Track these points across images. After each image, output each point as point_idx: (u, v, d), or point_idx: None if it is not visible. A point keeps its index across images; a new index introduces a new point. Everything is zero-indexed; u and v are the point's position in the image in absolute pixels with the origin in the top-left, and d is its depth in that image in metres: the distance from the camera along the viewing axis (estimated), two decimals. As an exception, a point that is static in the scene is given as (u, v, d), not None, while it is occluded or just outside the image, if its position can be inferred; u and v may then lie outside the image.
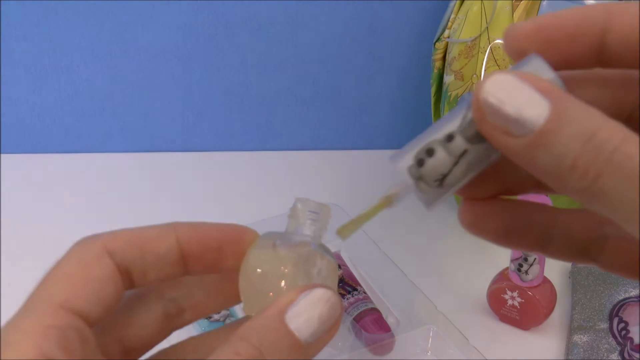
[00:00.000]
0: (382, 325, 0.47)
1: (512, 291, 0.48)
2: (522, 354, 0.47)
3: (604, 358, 0.45)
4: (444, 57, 0.60)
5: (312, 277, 0.22)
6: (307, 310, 0.20)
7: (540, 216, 0.22)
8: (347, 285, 0.51)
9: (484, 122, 0.18)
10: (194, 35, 0.69)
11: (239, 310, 0.48)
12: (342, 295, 0.49)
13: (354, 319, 0.48)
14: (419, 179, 0.19)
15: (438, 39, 0.60)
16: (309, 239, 0.23)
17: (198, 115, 0.74)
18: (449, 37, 0.59)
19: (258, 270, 0.22)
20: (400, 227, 0.58)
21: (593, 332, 0.47)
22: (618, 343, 0.46)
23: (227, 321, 0.48)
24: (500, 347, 0.47)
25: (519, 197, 0.24)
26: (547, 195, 0.44)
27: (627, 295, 0.49)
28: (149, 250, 0.22)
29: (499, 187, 0.22)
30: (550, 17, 0.19)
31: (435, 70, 0.61)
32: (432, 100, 0.64)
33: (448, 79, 0.59)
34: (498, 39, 0.55)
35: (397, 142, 0.20)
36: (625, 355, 0.45)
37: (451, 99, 0.58)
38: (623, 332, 0.46)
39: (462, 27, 0.57)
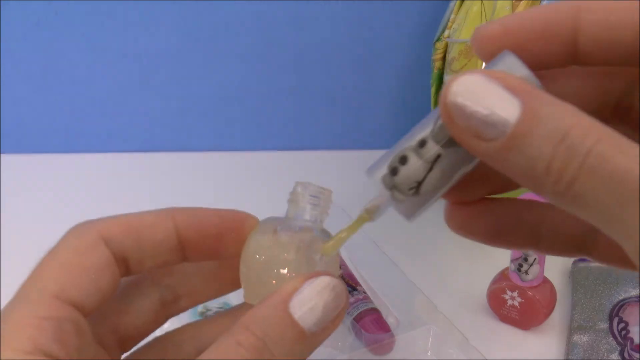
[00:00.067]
0: (382, 325, 0.47)
1: (512, 291, 0.48)
2: (522, 354, 0.47)
3: (604, 358, 0.45)
4: (444, 57, 0.60)
5: (314, 264, 0.21)
6: (312, 299, 0.19)
7: (529, 214, 0.21)
8: (347, 285, 0.51)
9: (454, 126, 0.17)
10: (193, 35, 0.69)
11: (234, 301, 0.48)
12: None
13: (354, 319, 0.48)
14: (393, 188, 0.18)
15: (438, 39, 0.60)
16: (311, 225, 0.22)
17: (198, 115, 0.74)
18: (449, 37, 0.59)
19: (260, 257, 0.21)
20: (400, 227, 0.58)
21: (593, 332, 0.47)
22: (618, 343, 0.46)
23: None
24: (500, 347, 0.47)
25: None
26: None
27: (627, 295, 0.49)
28: (146, 237, 0.21)
29: (485, 189, 0.21)
30: (517, 18, 0.18)
31: (435, 70, 0.61)
32: (432, 100, 0.64)
33: (448, 79, 0.59)
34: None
35: (397, 142, 0.19)
36: (625, 355, 0.45)
37: (451, 99, 0.58)
38: (623, 332, 0.46)
39: (462, 27, 0.57)
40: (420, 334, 0.47)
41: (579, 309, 0.49)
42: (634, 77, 0.19)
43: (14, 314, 0.18)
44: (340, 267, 0.53)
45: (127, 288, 0.23)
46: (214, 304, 0.45)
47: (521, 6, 0.55)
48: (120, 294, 0.22)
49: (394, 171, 0.18)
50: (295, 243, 0.21)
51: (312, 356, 0.19)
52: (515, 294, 0.48)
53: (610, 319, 0.48)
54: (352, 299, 0.49)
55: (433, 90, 0.63)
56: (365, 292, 0.51)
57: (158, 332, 0.24)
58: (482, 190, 0.21)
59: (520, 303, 0.48)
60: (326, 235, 0.22)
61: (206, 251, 0.22)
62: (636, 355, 0.45)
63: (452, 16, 0.59)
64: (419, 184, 0.18)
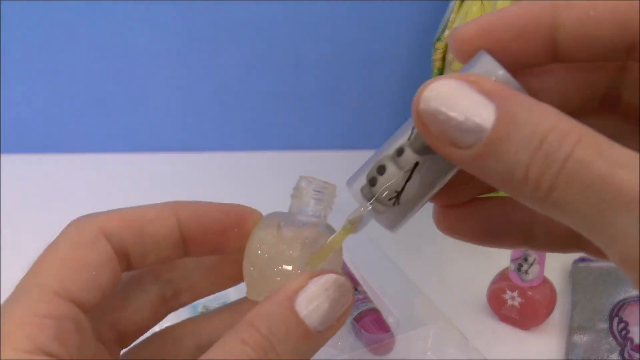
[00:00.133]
0: (382, 325, 0.47)
1: (512, 291, 0.48)
2: (522, 354, 0.47)
3: (604, 358, 0.45)
4: (443, 57, 0.60)
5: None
6: (318, 297, 0.18)
7: (520, 213, 0.21)
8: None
9: (428, 134, 0.16)
10: (193, 35, 0.69)
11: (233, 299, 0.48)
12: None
13: (354, 319, 0.48)
14: (373, 199, 0.18)
15: (438, 39, 0.60)
16: (315, 220, 0.21)
17: (198, 115, 0.74)
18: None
19: (264, 253, 0.21)
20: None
21: (593, 332, 0.47)
22: (618, 343, 0.46)
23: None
24: (500, 347, 0.47)
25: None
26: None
27: (627, 295, 0.49)
28: (148, 231, 0.20)
29: (473, 190, 0.21)
30: (493, 17, 0.18)
31: (435, 70, 0.61)
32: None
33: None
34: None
35: (376, 151, 0.19)
36: (625, 355, 0.45)
37: (451, 99, 0.58)
38: (623, 332, 0.46)
39: (462, 27, 0.57)
40: (420, 334, 0.47)
41: (579, 309, 0.49)
42: (618, 69, 0.19)
43: (13, 311, 0.18)
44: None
45: (127, 283, 0.22)
46: (214, 304, 0.45)
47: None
48: (120, 289, 0.22)
49: (372, 182, 0.18)
50: (300, 239, 0.21)
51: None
52: (515, 294, 0.48)
53: (610, 319, 0.48)
54: (352, 299, 0.49)
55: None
56: (365, 292, 0.51)
57: (156, 328, 0.23)
58: (471, 192, 0.21)
59: (520, 303, 0.48)
60: (331, 230, 0.21)
61: (209, 246, 0.22)
62: (636, 355, 0.45)
63: (452, 16, 0.59)
64: (399, 193, 0.18)
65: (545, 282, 0.48)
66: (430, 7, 0.69)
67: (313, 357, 0.19)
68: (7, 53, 0.66)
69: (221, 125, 0.75)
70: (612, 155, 0.14)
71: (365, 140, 0.77)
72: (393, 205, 0.18)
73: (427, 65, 0.64)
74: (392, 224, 0.18)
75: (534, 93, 0.19)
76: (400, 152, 0.18)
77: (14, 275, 0.20)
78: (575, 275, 0.53)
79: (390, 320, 0.48)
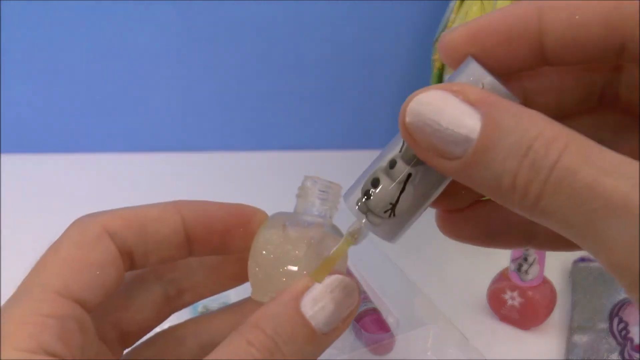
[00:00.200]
0: (382, 325, 0.47)
1: (512, 291, 0.48)
2: (522, 354, 0.47)
3: (604, 358, 0.45)
4: (444, 57, 0.60)
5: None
6: (323, 298, 0.18)
7: (520, 215, 0.21)
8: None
9: (416, 146, 0.16)
10: (193, 35, 0.69)
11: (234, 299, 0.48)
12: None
13: (354, 319, 0.47)
14: (368, 212, 0.18)
15: (438, 39, 0.60)
16: (321, 220, 0.21)
17: (198, 115, 0.74)
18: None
19: (269, 253, 0.20)
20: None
21: (593, 332, 0.47)
22: (618, 343, 0.46)
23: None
24: (500, 347, 0.47)
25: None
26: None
27: (627, 295, 0.49)
28: (152, 231, 0.20)
29: (474, 194, 0.21)
30: (480, 23, 0.18)
31: (435, 70, 0.61)
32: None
33: (447, 78, 0.59)
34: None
35: (370, 164, 0.19)
36: (626, 355, 0.45)
37: (451, 99, 0.58)
38: (623, 332, 0.46)
39: (462, 27, 0.57)
40: (420, 334, 0.47)
41: (579, 309, 0.49)
42: (613, 68, 0.19)
43: (16, 310, 0.17)
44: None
45: (130, 283, 0.22)
46: (214, 305, 0.45)
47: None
48: (123, 288, 0.21)
49: (367, 195, 0.18)
50: (305, 240, 0.20)
51: (312, 356, 0.19)
52: (515, 294, 0.48)
53: (610, 319, 0.48)
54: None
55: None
56: (365, 292, 0.51)
57: (157, 329, 0.23)
58: (472, 196, 0.21)
59: (520, 303, 0.48)
60: (336, 231, 0.21)
61: (213, 246, 0.22)
62: (636, 355, 0.45)
63: (452, 16, 0.59)
64: (393, 205, 0.18)
65: (545, 282, 0.48)
66: (430, 7, 0.69)
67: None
68: (7, 53, 0.66)
69: (221, 125, 0.75)
70: (599, 162, 0.14)
71: (365, 140, 0.77)
72: (389, 217, 0.18)
73: (427, 65, 0.64)
74: (390, 236, 0.18)
75: (529, 94, 0.19)
76: (392, 164, 0.18)
77: (14, 275, 0.20)
78: (575, 275, 0.53)
79: (390, 320, 0.48)
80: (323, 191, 0.22)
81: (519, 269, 0.47)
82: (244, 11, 0.68)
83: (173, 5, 0.66)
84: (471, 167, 0.15)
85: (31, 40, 0.66)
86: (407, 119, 0.16)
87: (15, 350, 0.16)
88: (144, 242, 0.20)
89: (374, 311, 0.48)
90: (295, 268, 0.20)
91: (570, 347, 0.46)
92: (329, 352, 0.47)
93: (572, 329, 0.48)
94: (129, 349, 0.22)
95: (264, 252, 0.21)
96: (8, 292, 0.19)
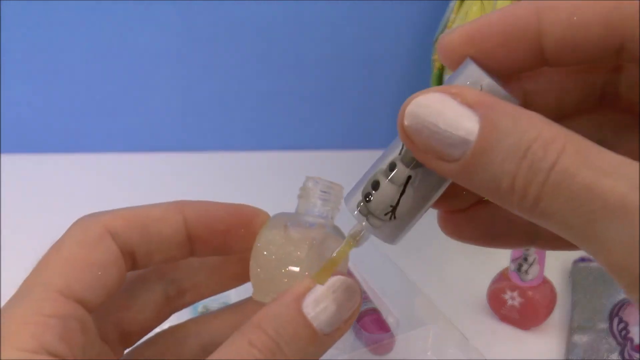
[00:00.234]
0: (382, 325, 0.47)
1: (512, 291, 0.48)
2: (522, 354, 0.47)
3: (604, 358, 0.45)
4: (444, 57, 0.60)
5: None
6: (325, 299, 0.18)
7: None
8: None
9: (414, 149, 0.16)
10: (194, 35, 0.69)
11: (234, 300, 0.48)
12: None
13: (354, 319, 0.47)
14: (369, 214, 0.18)
15: (438, 39, 0.60)
16: (323, 221, 0.21)
17: (198, 115, 0.74)
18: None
19: (271, 254, 0.20)
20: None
21: (593, 332, 0.47)
22: (618, 343, 0.46)
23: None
24: (500, 347, 0.47)
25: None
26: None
27: (626, 295, 0.49)
28: (154, 231, 0.20)
29: (476, 195, 0.20)
30: (478, 24, 0.18)
31: (435, 70, 0.61)
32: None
33: (447, 77, 0.59)
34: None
35: (371, 166, 0.19)
36: (625, 355, 0.45)
37: (451, 99, 0.58)
38: (623, 332, 0.46)
39: (462, 27, 0.57)
40: (420, 334, 0.47)
41: (579, 309, 0.49)
42: (613, 68, 0.19)
43: (17, 310, 0.17)
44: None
45: (131, 282, 0.22)
46: (214, 305, 0.45)
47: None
48: (125, 288, 0.21)
49: (367, 197, 0.18)
50: (307, 240, 0.20)
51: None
52: (515, 294, 0.48)
53: (610, 319, 0.48)
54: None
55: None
56: (365, 292, 0.51)
57: (157, 328, 0.23)
58: (473, 196, 0.21)
59: (520, 303, 0.48)
60: (337, 232, 0.21)
61: (215, 246, 0.22)
62: (636, 355, 0.45)
63: (452, 16, 0.59)
64: (394, 208, 0.18)
65: (545, 282, 0.48)
66: (430, 7, 0.69)
67: (313, 358, 0.19)
68: (7, 53, 0.66)
69: (221, 125, 0.75)
70: (597, 163, 0.14)
71: (365, 140, 0.77)
72: (389, 220, 0.18)
73: (427, 65, 0.64)
74: (391, 238, 0.18)
75: (530, 95, 0.19)
76: (392, 166, 0.18)
77: (14, 275, 0.20)
78: (575, 275, 0.53)
79: (390, 320, 0.48)
80: (325, 192, 0.22)
81: (519, 269, 0.47)
82: (244, 11, 0.68)
83: (173, 5, 0.66)
84: (470, 169, 0.15)
85: (31, 40, 0.66)
86: (406, 122, 0.16)
87: (17, 350, 0.16)
88: (146, 242, 0.20)
89: (374, 311, 0.48)
90: (297, 269, 0.20)
91: (570, 347, 0.46)
92: (329, 352, 0.47)
93: (572, 329, 0.48)
94: (130, 348, 0.22)
95: (266, 252, 0.21)
96: (8, 292, 0.19)
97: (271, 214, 0.23)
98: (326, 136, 0.77)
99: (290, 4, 0.68)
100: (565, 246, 0.21)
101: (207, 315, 0.24)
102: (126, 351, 0.22)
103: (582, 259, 0.54)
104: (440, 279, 0.55)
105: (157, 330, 0.23)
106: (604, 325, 0.47)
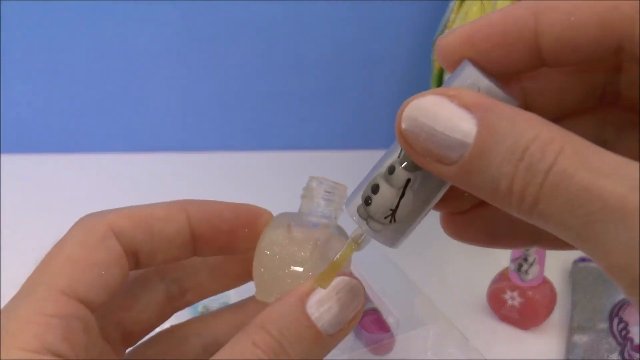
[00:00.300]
0: (382, 325, 0.47)
1: (512, 291, 0.48)
2: (522, 354, 0.47)
3: (604, 358, 0.45)
4: (444, 57, 0.60)
5: (330, 262, 0.20)
6: (329, 300, 0.18)
7: None
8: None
9: (413, 152, 0.16)
10: (194, 35, 0.69)
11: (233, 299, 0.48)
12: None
13: (354, 319, 0.47)
14: (369, 218, 0.18)
15: (436, 40, 0.60)
16: (327, 221, 0.21)
17: (198, 115, 0.74)
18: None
19: (275, 254, 0.20)
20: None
21: (593, 332, 0.47)
22: (618, 343, 0.46)
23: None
24: (500, 347, 0.47)
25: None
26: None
27: (626, 297, 0.49)
28: (158, 230, 0.20)
29: (477, 197, 0.21)
30: (475, 26, 0.17)
31: (435, 71, 0.61)
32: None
33: (447, 77, 0.59)
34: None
35: (371, 169, 0.19)
36: (626, 355, 0.45)
37: (451, 99, 0.58)
38: (623, 332, 0.46)
39: (462, 27, 0.57)
40: (420, 334, 0.47)
41: (579, 309, 0.49)
42: (613, 68, 0.19)
43: (19, 310, 0.17)
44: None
45: (133, 281, 0.22)
46: (214, 305, 0.45)
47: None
48: (126, 287, 0.21)
49: (367, 201, 0.18)
50: (311, 241, 0.20)
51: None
52: (515, 294, 0.48)
53: (610, 319, 0.48)
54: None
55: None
56: (365, 292, 0.51)
57: (158, 328, 0.23)
58: (475, 198, 0.20)
59: (520, 303, 0.48)
60: (341, 232, 0.21)
61: (218, 246, 0.22)
62: (636, 355, 0.45)
63: (452, 16, 0.59)
64: (394, 211, 0.18)
65: (545, 282, 0.48)
66: (430, 7, 0.69)
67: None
68: (7, 53, 0.66)
69: (221, 125, 0.75)
70: (596, 164, 0.14)
71: (365, 140, 0.77)
72: (389, 223, 0.18)
73: (427, 65, 0.64)
74: (392, 241, 0.18)
75: (530, 95, 0.19)
76: (391, 170, 0.18)
77: (14, 275, 0.20)
78: (575, 275, 0.53)
79: (390, 320, 0.48)
80: (328, 192, 0.21)
81: (519, 269, 0.47)
82: (244, 11, 0.68)
83: (173, 5, 0.66)
84: (468, 171, 0.15)
85: (31, 40, 0.66)
86: (403, 125, 0.16)
87: (20, 350, 0.16)
88: (150, 242, 0.20)
89: (374, 311, 0.48)
90: (300, 269, 0.20)
91: (570, 347, 0.46)
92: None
93: (572, 329, 0.48)
94: (131, 348, 0.22)
95: (270, 252, 0.20)
96: (8, 292, 0.19)
97: (274, 214, 0.23)
98: (326, 136, 0.77)
99: (290, 4, 0.68)
100: (568, 246, 0.21)
101: (208, 315, 0.24)
102: (128, 350, 0.22)
103: (582, 259, 0.54)
104: (440, 279, 0.55)
105: (159, 329, 0.23)
106: (604, 325, 0.47)
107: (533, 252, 0.47)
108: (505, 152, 0.15)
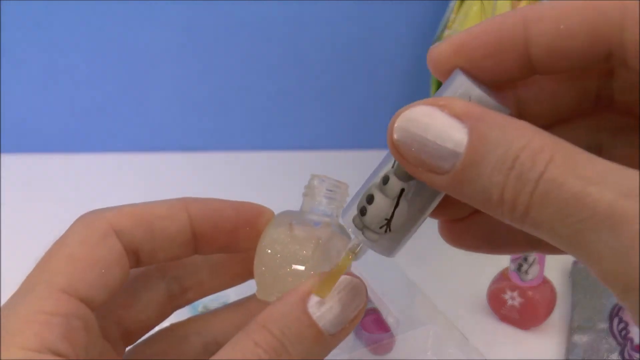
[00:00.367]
0: (382, 325, 0.47)
1: (512, 291, 0.48)
2: (522, 354, 0.47)
3: (604, 358, 0.45)
4: (444, 57, 0.60)
5: (332, 260, 0.20)
6: (330, 299, 0.18)
7: None
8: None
9: (405, 162, 0.16)
10: (194, 35, 0.69)
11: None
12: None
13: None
14: (364, 228, 0.18)
15: (438, 39, 0.60)
16: (328, 220, 0.21)
17: (198, 115, 0.74)
18: (453, 34, 0.59)
19: (276, 252, 0.20)
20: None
21: (593, 332, 0.47)
22: (618, 343, 0.46)
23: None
24: (500, 347, 0.47)
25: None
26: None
27: (619, 303, 0.49)
28: (159, 228, 0.20)
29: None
30: (466, 36, 0.18)
31: (435, 71, 0.61)
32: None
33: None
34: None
35: (367, 179, 0.19)
36: (625, 355, 0.45)
37: (451, 99, 0.58)
38: (623, 332, 0.46)
39: (462, 27, 0.57)
40: (420, 334, 0.47)
41: (579, 309, 0.49)
42: (605, 73, 0.19)
43: (19, 308, 0.17)
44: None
45: (134, 280, 0.22)
46: (214, 304, 0.45)
47: (521, 6, 0.55)
48: (127, 285, 0.21)
49: (362, 211, 0.18)
50: (313, 239, 0.20)
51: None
52: (515, 294, 0.48)
53: (610, 319, 0.48)
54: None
55: (433, 90, 0.63)
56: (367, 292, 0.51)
57: (158, 327, 0.23)
58: (469, 207, 0.21)
59: (520, 303, 0.48)
60: (343, 230, 0.21)
61: (219, 244, 0.21)
62: (636, 355, 0.45)
63: (452, 16, 0.59)
64: (388, 221, 0.18)
65: (545, 282, 0.48)
66: (430, 7, 0.69)
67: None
68: (7, 53, 0.66)
69: (221, 125, 0.75)
70: (585, 172, 0.14)
71: (366, 140, 0.77)
72: (385, 233, 0.18)
73: (427, 65, 0.64)
74: (388, 251, 0.19)
75: (524, 102, 0.19)
76: (385, 180, 0.18)
77: (14, 275, 0.20)
78: (575, 275, 0.53)
79: (390, 320, 0.48)
80: (330, 190, 0.21)
81: (519, 269, 0.47)
82: (244, 11, 0.68)
83: (173, 5, 0.66)
84: (460, 181, 0.15)
85: (31, 40, 0.66)
86: (395, 136, 0.16)
87: (20, 349, 0.16)
88: (151, 240, 0.20)
89: (374, 311, 0.48)
90: (302, 268, 0.20)
91: (570, 347, 0.46)
92: (329, 352, 0.47)
93: (572, 329, 0.48)
94: (131, 346, 0.22)
95: (271, 251, 0.20)
96: (8, 292, 0.19)
97: (283, 212, 0.22)
98: (326, 136, 0.77)
99: (291, 4, 0.68)
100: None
101: (208, 314, 0.24)
102: (127, 349, 0.22)
103: (582, 259, 0.54)
104: (440, 279, 0.55)
105: (158, 328, 0.23)
106: (604, 325, 0.47)
107: (533, 253, 0.47)
108: (496, 161, 0.15)
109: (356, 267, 0.54)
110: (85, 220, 0.19)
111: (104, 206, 0.20)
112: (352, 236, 0.19)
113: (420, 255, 0.58)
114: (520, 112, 0.20)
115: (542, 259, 0.47)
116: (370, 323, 0.47)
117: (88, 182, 0.69)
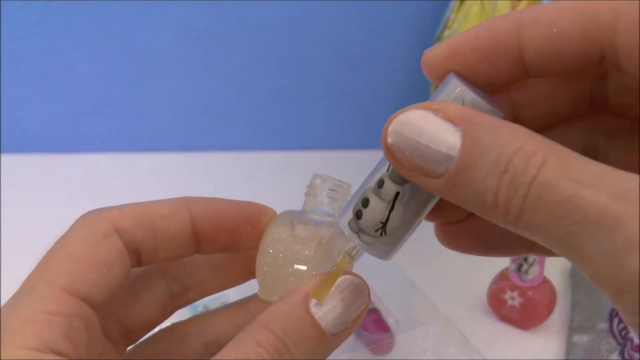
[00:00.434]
0: (382, 325, 0.47)
1: (512, 291, 0.48)
2: (522, 354, 0.47)
3: (604, 358, 0.45)
4: (444, 57, 0.60)
5: (334, 260, 0.20)
6: (333, 299, 0.18)
7: None
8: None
9: (399, 166, 0.16)
10: (194, 35, 0.69)
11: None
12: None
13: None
14: (360, 231, 0.18)
15: (438, 39, 0.60)
16: (330, 220, 0.21)
17: (198, 115, 0.74)
18: (448, 37, 0.59)
19: (278, 252, 0.20)
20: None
21: (593, 332, 0.47)
22: (618, 343, 0.46)
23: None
24: (500, 347, 0.47)
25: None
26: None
27: (612, 305, 0.49)
28: (161, 228, 0.20)
29: None
30: (460, 40, 0.18)
31: (435, 71, 0.61)
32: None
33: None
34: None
35: (362, 182, 0.20)
36: (626, 355, 0.45)
37: (451, 99, 0.58)
38: (623, 332, 0.46)
39: (462, 27, 0.57)
40: (420, 334, 0.47)
41: (579, 309, 0.49)
42: (599, 76, 0.19)
43: (20, 308, 0.17)
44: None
45: (135, 279, 0.22)
46: (214, 304, 0.45)
47: (521, 6, 0.55)
48: (128, 285, 0.21)
49: (358, 215, 0.18)
50: (315, 239, 0.20)
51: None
52: (515, 294, 0.48)
53: (610, 319, 0.48)
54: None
55: (432, 90, 0.63)
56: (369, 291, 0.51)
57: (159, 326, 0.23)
58: (464, 210, 0.21)
59: (520, 303, 0.48)
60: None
61: (221, 244, 0.21)
62: (636, 355, 0.45)
63: (452, 16, 0.59)
64: (384, 224, 0.18)
65: (545, 282, 0.48)
66: (430, 7, 0.69)
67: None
68: (7, 53, 0.66)
69: (221, 125, 0.75)
70: (578, 175, 0.14)
71: (366, 140, 0.77)
72: (380, 236, 0.18)
73: (426, 65, 0.64)
74: (384, 254, 0.19)
75: (518, 105, 0.19)
76: (380, 183, 0.18)
77: (14, 275, 0.20)
78: (575, 275, 0.53)
79: (390, 320, 0.48)
80: (332, 190, 0.21)
81: (519, 269, 0.47)
82: (244, 11, 0.68)
83: (173, 6, 0.66)
84: (454, 184, 0.16)
85: (31, 40, 0.66)
86: (389, 140, 0.16)
87: (21, 348, 0.16)
88: (152, 240, 0.20)
89: (374, 311, 0.48)
90: (304, 267, 0.20)
91: (570, 347, 0.46)
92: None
93: (572, 329, 0.48)
94: (132, 346, 0.22)
95: (273, 251, 0.20)
96: (8, 292, 0.18)
97: (285, 212, 0.22)
98: (326, 136, 0.77)
99: (290, 4, 0.68)
100: None
101: (209, 314, 0.24)
102: (128, 349, 0.22)
103: (582, 259, 0.54)
104: (440, 279, 0.55)
105: (159, 327, 0.23)
106: (604, 325, 0.47)
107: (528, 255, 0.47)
108: (490, 165, 0.15)
109: (356, 267, 0.54)
110: (87, 219, 0.19)
111: (104, 206, 0.20)
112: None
113: (420, 256, 0.58)
114: (515, 115, 0.20)
115: (542, 259, 0.47)
116: (370, 323, 0.47)
117: (88, 182, 0.69)
